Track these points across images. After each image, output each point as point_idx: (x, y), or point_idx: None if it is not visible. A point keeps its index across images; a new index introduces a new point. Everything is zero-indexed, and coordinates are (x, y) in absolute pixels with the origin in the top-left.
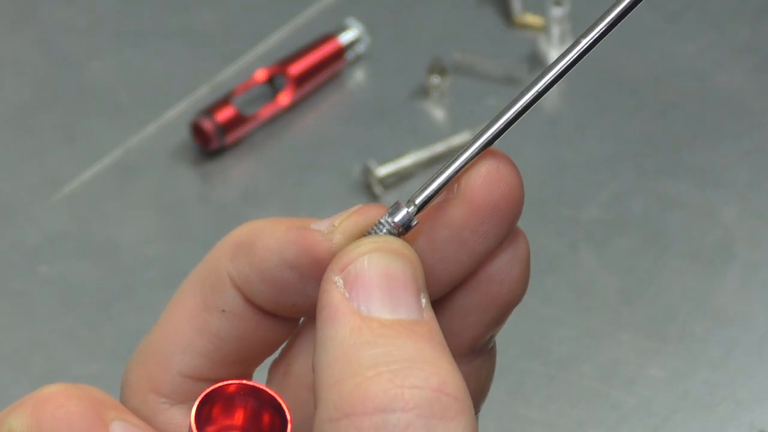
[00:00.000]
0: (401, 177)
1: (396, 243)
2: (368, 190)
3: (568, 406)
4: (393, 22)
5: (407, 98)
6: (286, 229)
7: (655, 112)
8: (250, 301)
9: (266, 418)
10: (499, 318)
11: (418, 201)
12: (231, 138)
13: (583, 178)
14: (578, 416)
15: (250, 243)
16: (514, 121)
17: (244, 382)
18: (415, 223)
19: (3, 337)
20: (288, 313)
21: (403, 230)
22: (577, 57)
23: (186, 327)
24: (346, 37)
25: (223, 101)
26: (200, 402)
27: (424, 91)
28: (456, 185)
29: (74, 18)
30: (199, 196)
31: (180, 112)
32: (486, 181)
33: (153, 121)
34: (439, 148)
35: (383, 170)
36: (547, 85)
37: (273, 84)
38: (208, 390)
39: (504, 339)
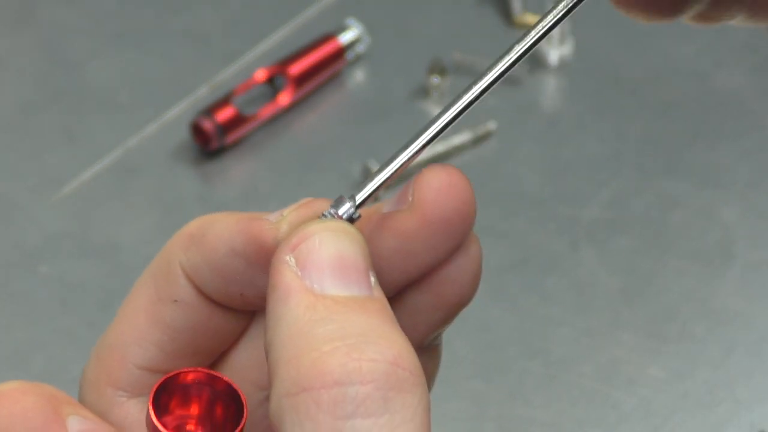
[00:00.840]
0: (401, 177)
1: (344, 224)
2: None
3: (569, 406)
4: (393, 22)
5: (407, 98)
6: (236, 220)
7: (655, 112)
8: (201, 292)
9: (222, 407)
10: (448, 317)
11: (358, 196)
12: (231, 138)
13: (583, 178)
14: (578, 416)
15: (201, 234)
16: (452, 122)
17: (199, 369)
18: (357, 216)
19: (3, 337)
20: (237, 304)
21: (347, 222)
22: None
23: (140, 319)
24: (346, 37)
25: (223, 101)
26: (156, 390)
27: (424, 91)
28: (409, 197)
29: (74, 18)
30: (199, 196)
31: (180, 112)
32: (438, 194)
33: (153, 121)
34: (439, 148)
35: None
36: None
37: (273, 84)
38: (163, 378)
39: (504, 339)
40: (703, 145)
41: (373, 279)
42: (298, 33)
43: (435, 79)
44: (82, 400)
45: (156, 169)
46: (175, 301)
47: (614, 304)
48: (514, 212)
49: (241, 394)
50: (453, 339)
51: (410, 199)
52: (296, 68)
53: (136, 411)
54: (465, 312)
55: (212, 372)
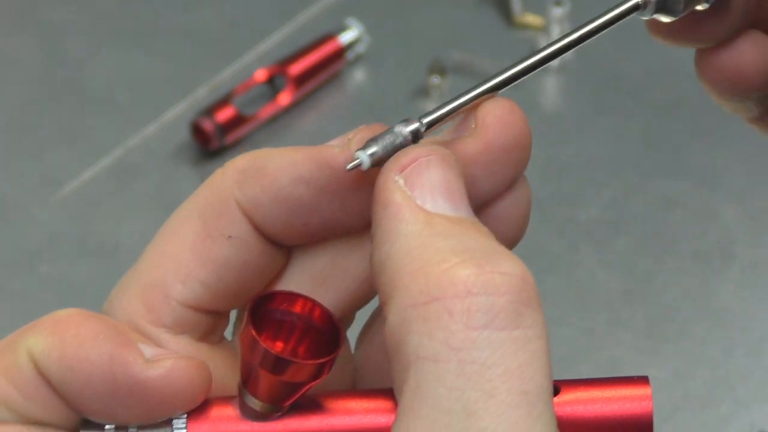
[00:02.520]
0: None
1: (446, 150)
2: None
3: None
4: (393, 22)
5: (407, 98)
6: (296, 150)
7: (655, 112)
8: (257, 228)
9: (315, 333)
10: None
11: (427, 119)
12: (231, 138)
13: (583, 178)
14: None
15: (259, 166)
16: (534, 68)
17: (293, 292)
18: (422, 136)
19: (3, 337)
20: (295, 236)
21: (412, 140)
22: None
23: (186, 255)
24: (346, 37)
25: (223, 101)
26: (251, 308)
27: (424, 91)
28: (473, 124)
29: (74, 18)
30: None
31: (180, 112)
32: (501, 122)
33: (153, 121)
34: None
35: None
36: (570, 41)
37: (273, 84)
38: (257, 296)
39: None
40: (703, 145)
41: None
42: (298, 33)
43: (435, 79)
44: None
45: (156, 169)
46: (230, 237)
47: (614, 304)
48: None
49: (337, 322)
50: None
51: (473, 126)
52: (296, 68)
53: (179, 348)
54: None
55: (306, 297)
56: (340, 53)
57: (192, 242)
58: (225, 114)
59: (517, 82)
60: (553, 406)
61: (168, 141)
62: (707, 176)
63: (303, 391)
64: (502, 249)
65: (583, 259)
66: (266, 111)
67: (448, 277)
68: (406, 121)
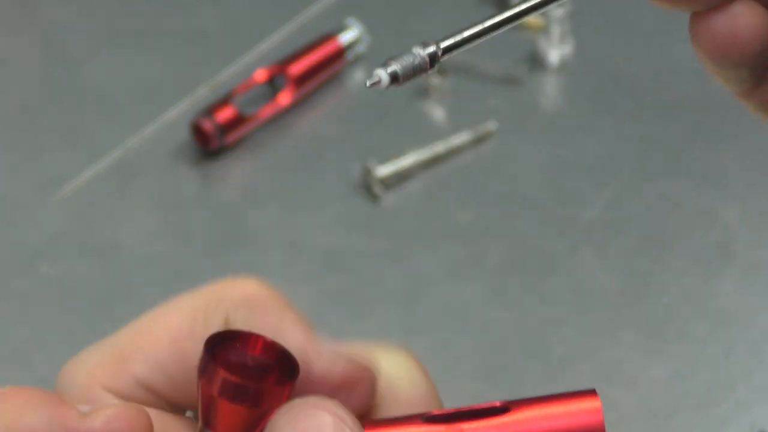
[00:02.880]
0: (401, 177)
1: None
2: (368, 190)
3: None
4: (393, 22)
5: (407, 98)
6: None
7: (655, 112)
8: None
9: (272, 368)
10: None
11: (443, 45)
12: (231, 138)
13: (583, 178)
14: None
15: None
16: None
17: (252, 332)
18: (439, 59)
19: (3, 337)
20: None
21: (429, 63)
22: None
23: (164, 348)
24: (346, 37)
25: (223, 101)
26: (210, 343)
27: (424, 91)
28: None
29: (74, 18)
30: (199, 196)
31: (180, 112)
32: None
33: (153, 121)
34: (439, 148)
35: (383, 170)
36: None
37: (273, 84)
38: (219, 333)
39: (504, 339)
40: (703, 145)
41: None
42: (298, 33)
43: (435, 79)
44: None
45: (156, 169)
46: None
47: (614, 305)
48: (514, 212)
49: (291, 356)
50: (453, 339)
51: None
52: (296, 68)
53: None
54: (465, 312)
55: (263, 336)
56: (340, 53)
57: (173, 337)
58: (225, 114)
59: (541, 10)
60: None
61: (168, 141)
62: (707, 176)
63: (263, 424)
64: None
65: (583, 259)
66: (266, 111)
67: None
68: (424, 44)
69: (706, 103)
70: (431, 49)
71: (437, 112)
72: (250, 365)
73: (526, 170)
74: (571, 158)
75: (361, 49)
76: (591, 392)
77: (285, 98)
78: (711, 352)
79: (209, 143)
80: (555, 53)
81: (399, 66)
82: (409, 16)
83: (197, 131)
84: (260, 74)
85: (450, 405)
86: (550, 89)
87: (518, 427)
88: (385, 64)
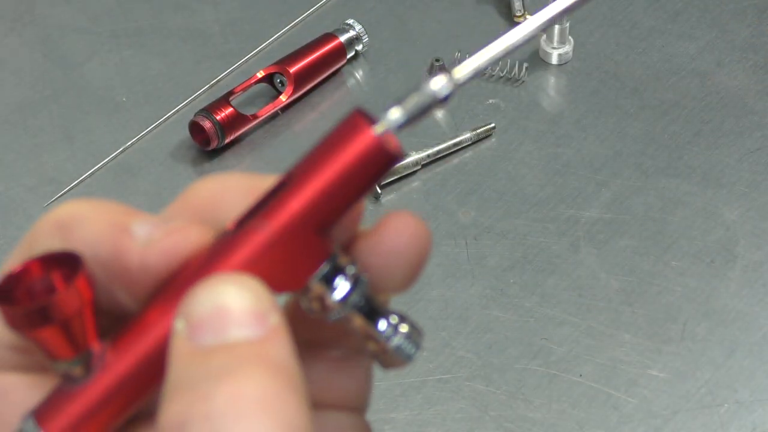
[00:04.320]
0: (401, 177)
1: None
2: None
3: (569, 406)
4: (393, 22)
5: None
6: (106, 224)
7: (656, 112)
8: None
9: (61, 273)
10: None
11: (458, 76)
12: (231, 137)
13: (583, 178)
14: (579, 417)
15: (68, 227)
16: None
17: (32, 258)
18: (452, 96)
19: None
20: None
21: (441, 104)
22: None
23: None
24: (346, 37)
25: (223, 101)
26: None
27: None
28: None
29: (73, 18)
30: None
31: (180, 112)
32: (401, 225)
33: (153, 121)
34: (439, 148)
35: None
36: None
37: (273, 84)
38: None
39: (504, 339)
40: (703, 145)
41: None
42: (298, 33)
43: None
44: None
45: (156, 169)
46: None
47: (614, 305)
48: (514, 212)
49: (70, 253)
50: (453, 339)
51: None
52: (296, 67)
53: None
54: (465, 312)
55: (39, 257)
56: (340, 53)
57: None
58: (225, 114)
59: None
60: None
61: (168, 141)
62: (708, 176)
63: (85, 321)
64: None
65: (584, 259)
66: (266, 111)
67: None
68: (434, 71)
69: (706, 102)
70: (443, 85)
71: (437, 112)
72: (38, 289)
73: (526, 170)
74: (571, 158)
75: (360, 48)
76: (354, 114)
77: (285, 98)
78: (712, 352)
79: (209, 143)
80: (555, 53)
81: (407, 113)
82: (409, 15)
83: (197, 130)
84: (260, 74)
85: (450, 405)
86: (550, 89)
87: (305, 193)
88: (391, 110)
